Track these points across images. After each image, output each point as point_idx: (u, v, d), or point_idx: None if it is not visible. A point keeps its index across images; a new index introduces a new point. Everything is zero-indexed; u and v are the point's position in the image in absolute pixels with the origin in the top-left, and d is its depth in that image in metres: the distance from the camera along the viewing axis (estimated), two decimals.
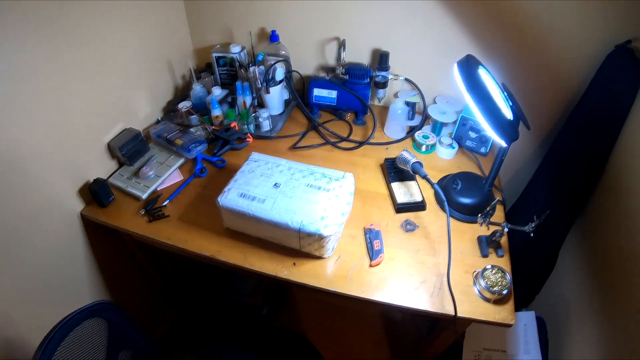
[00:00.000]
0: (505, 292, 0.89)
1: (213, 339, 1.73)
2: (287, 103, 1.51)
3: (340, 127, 1.44)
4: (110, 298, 1.37)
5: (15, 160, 0.95)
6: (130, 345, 1.03)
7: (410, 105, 1.39)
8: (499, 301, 0.90)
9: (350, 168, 1.24)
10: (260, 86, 1.38)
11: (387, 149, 1.35)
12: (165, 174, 1.23)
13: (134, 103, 1.33)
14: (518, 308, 1.36)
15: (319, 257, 0.99)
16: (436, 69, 1.38)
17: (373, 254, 0.98)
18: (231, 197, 0.99)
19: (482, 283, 0.90)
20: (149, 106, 1.41)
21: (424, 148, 1.32)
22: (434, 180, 1.04)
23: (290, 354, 1.24)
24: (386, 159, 1.25)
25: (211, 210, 1.08)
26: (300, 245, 0.97)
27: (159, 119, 1.44)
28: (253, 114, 1.39)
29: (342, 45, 1.37)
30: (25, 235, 1.02)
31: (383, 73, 1.35)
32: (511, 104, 0.91)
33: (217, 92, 1.40)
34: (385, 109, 1.47)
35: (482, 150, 1.30)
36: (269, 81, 1.36)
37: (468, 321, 0.90)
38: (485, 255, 1.00)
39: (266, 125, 1.39)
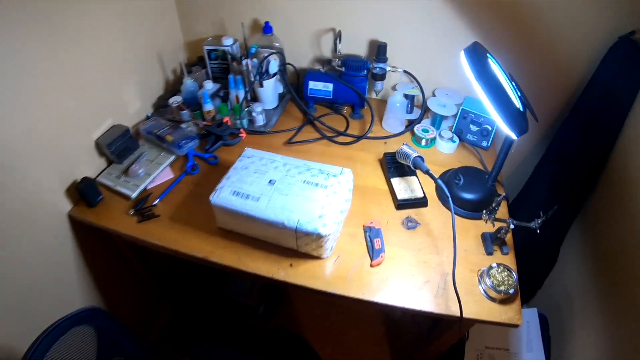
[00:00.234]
0: (511, 291, 0.85)
1: (208, 340, 1.69)
2: (281, 97, 1.47)
3: (337, 121, 1.40)
4: (101, 300, 1.33)
5: None
6: (121, 351, 0.99)
7: (409, 98, 1.35)
8: (505, 300, 0.87)
9: (348, 163, 1.20)
10: (253, 79, 1.33)
11: (385, 143, 1.31)
12: (156, 172, 1.18)
13: (123, 98, 1.28)
14: None
15: (317, 257, 0.95)
16: (435, 61, 1.34)
17: (374, 253, 0.94)
18: (224, 195, 0.94)
19: (488, 282, 0.87)
20: (138, 101, 1.36)
21: (423, 142, 1.28)
22: (435, 176, 1.00)
23: (287, 355, 1.21)
24: (385, 154, 1.21)
25: (203, 209, 1.04)
26: (297, 245, 0.93)
27: (149, 114, 1.39)
28: (246, 109, 1.35)
29: (338, 36, 1.32)
30: (9, 237, 0.96)
31: (381, 65, 1.31)
32: (519, 94, 0.87)
33: (209, 86, 1.36)
34: (382, 102, 1.43)
35: (484, 144, 1.27)
36: (263, 74, 1.32)
37: (473, 322, 0.86)
38: (489, 253, 0.96)
39: (260, 120, 1.35)
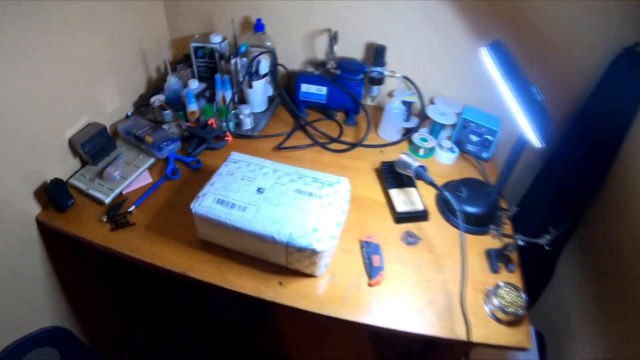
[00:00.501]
0: (520, 312, 0.79)
1: (186, 358, 1.59)
2: (271, 100, 1.39)
3: (330, 127, 1.33)
4: (72, 313, 1.22)
5: None
6: None
7: (407, 105, 1.29)
8: (513, 322, 0.80)
9: (342, 172, 1.12)
10: (242, 80, 1.26)
11: (381, 151, 1.24)
12: (133, 176, 1.10)
13: (101, 95, 1.19)
14: None
15: (310, 275, 0.86)
16: (436, 68, 1.29)
17: (372, 271, 0.86)
18: (206, 203, 0.85)
19: (496, 302, 0.80)
20: (118, 99, 1.27)
21: (421, 152, 1.22)
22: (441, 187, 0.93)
23: None
24: (383, 163, 1.14)
25: (183, 219, 0.96)
26: (288, 261, 0.84)
27: (129, 114, 1.30)
28: (233, 111, 1.27)
29: (334, 37, 1.26)
30: None
31: (379, 69, 1.25)
32: (541, 99, 0.80)
33: (194, 85, 1.27)
34: (377, 109, 1.38)
35: (484, 155, 1.21)
36: (252, 75, 1.25)
37: (480, 345, 0.79)
38: (495, 271, 0.90)
39: (247, 123, 1.27)
